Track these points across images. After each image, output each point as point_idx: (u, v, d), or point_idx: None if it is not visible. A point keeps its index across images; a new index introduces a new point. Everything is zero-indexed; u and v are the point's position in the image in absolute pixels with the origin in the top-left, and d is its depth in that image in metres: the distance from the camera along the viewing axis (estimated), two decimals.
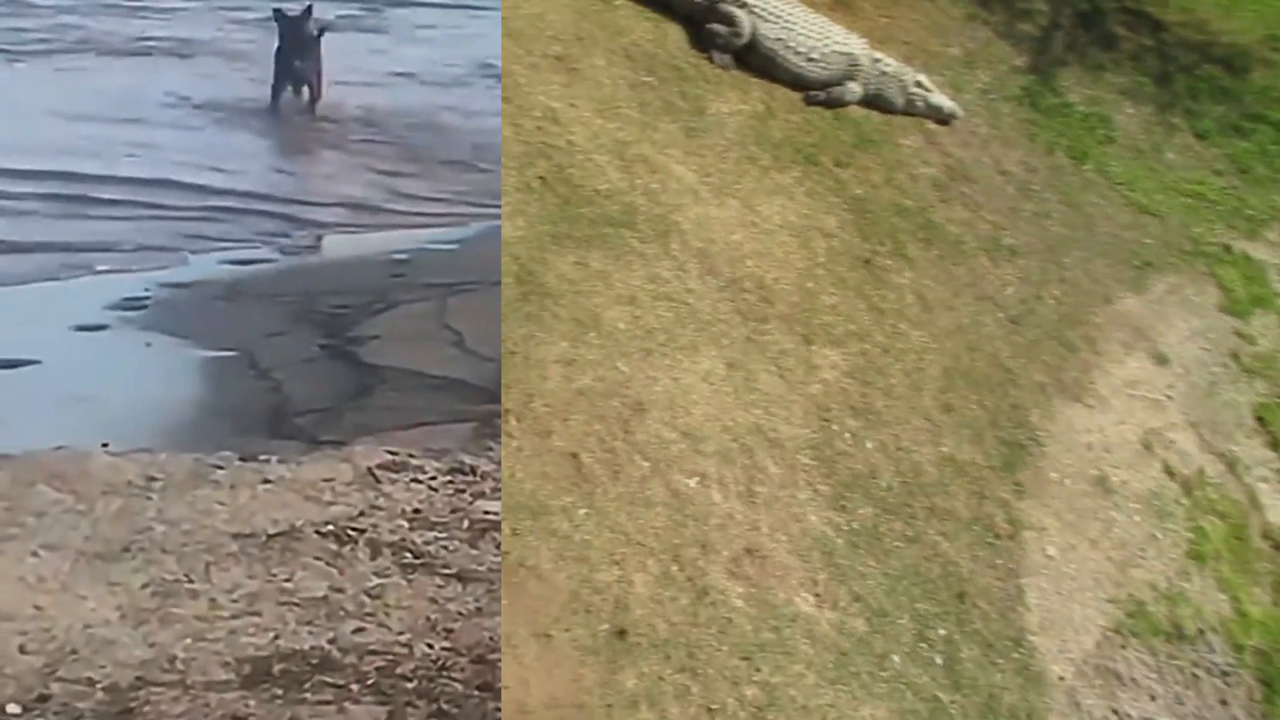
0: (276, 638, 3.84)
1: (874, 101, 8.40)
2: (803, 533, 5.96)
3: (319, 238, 6.79)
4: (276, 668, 3.74)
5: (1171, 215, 8.93)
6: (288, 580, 4.07)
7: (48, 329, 5.67)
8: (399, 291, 6.21)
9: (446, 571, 4.19)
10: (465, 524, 4.38)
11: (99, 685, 3.64)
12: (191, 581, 4.04)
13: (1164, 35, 10.40)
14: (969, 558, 6.25)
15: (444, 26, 9.94)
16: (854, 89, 8.28)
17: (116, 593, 3.97)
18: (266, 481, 4.53)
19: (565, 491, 5.60)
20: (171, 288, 6.12)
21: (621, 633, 5.24)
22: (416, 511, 4.44)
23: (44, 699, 3.60)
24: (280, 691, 3.66)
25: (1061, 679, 6.07)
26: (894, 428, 6.63)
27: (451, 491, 4.52)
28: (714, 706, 5.21)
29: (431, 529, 4.37)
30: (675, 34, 8.18)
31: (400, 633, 3.92)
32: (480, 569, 4.25)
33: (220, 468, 4.60)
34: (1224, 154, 9.67)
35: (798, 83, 8.22)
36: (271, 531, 4.26)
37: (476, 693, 3.83)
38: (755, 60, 8.16)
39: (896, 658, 5.73)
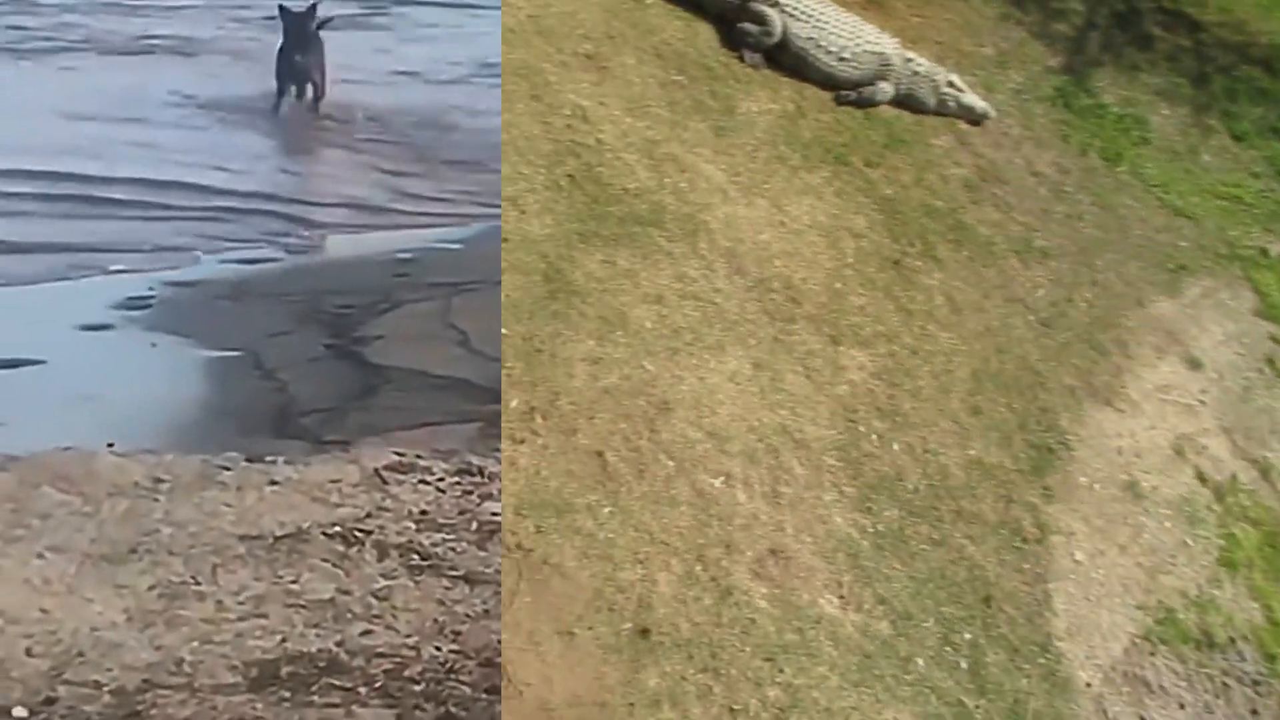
0: (284, 640, 3.82)
1: (905, 101, 8.35)
2: (828, 534, 5.94)
3: (324, 237, 6.76)
4: (284, 670, 3.74)
5: (1207, 218, 8.83)
6: (294, 582, 4.05)
7: (52, 329, 5.63)
8: (404, 291, 6.18)
9: (454, 574, 4.13)
10: (473, 526, 4.36)
11: (105, 688, 3.64)
12: (198, 584, 4.02)
13: (1202, 36, 10.28)
14: (996, 562, 6.21)
15: (448, 25, 9.85)
16: (885, 89, 8.24)
17: (123, 595, 3.96)
18: (273, 483, 4.50)
19: (590, 490, 5.61)
20: (176, 287, 6.09)
21: (644, 632, 5.24)
22: (424, 513, 4.40)
23: (50, 702, 3.59)
24: (288, 695, 3.65)
25: (1088, 685, 6.02)
26: (921, 430, 6.59)
27: (459, 493, 4.49)
28: (736, 707, 5.20)
29: (439, 531, 4.32)
30: (706, 33, 8.17)
31: (408, 635, 3.89)
32: (488, 571, 4.23)
33: (227, 469, 4.57)
34: (1262, 156, 9.55)
35: (829, 82, 8.19)
36: (278, 533, 4.25)
37: (485, 696, 3.81)
38: (786, 59, 8.13)
39: (921, 661, 5.70)
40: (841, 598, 5.73)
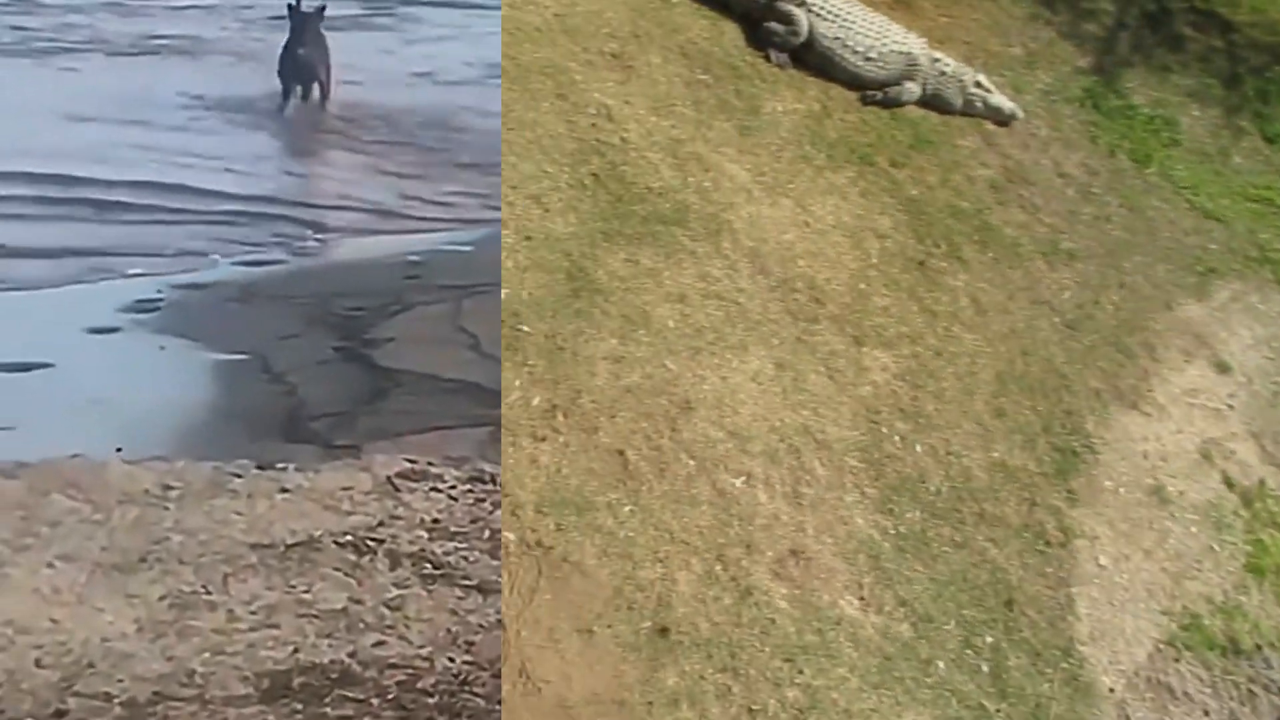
0: (296, 651, 3.79)
1: (932, 102, 8.31)
2: (849, 535, 5.92)
3: (332, 240, 6.71)
4: (296, 681, 3.70)
5: (1237, 221, 8.73)
6: (306, 592, 4.02)
7: (60, 332, 5.57)
8: (413, 293, 6.13)
9: (467, 583, 4.08)
10: (485, 534, 4.33)
11: (116, 700, 3.59)
12: (209, 593, 3.99)
13: (1234, 36, 10.16)
14: (1018, 565, 6.17)
15: (457, 26, 9.75)
16: (912, 89, 8.20)
17: (134, 605, 3.92)
18: (284, 490, 4.46)
19: (610, 488, 5.62)
20: (184, 290, 6.05)
21: (664, 631, 5.24)
22: (436, 521, 4.34)
23: (60, 714, 3.56)
24: (300, 706, 3.61)
25: (1111, 691, 5.97)
26: (944, 432, 6.56)
27: (471, 501, 4.44)
28: (755, 707, 5.19)
29: (451, 539, 4.26)
30: (732, 32, 8.16)
31: (421, 646, 3.85)
32: (501, 580, 4.20)
33: (238, 476, 4.53)
34: None
35: (855, 82, 8.16)
36: (290, 542, 4.21)
37: (499, 707, 3.79)
38: (812, 59, 8.11)
39: (942, 664, 5.67)
40: (862, 599, 5.72)
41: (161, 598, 3.97)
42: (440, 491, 4.51)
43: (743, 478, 5.90)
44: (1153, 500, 6.79)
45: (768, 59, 8.06)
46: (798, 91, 8.00)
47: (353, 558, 4.16)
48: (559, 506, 5.45)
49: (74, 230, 6.54)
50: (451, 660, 3.82)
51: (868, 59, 8.09)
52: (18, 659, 3.71)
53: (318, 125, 8.20)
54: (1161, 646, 6.23)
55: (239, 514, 4.35)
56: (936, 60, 8.27)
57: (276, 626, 3.88)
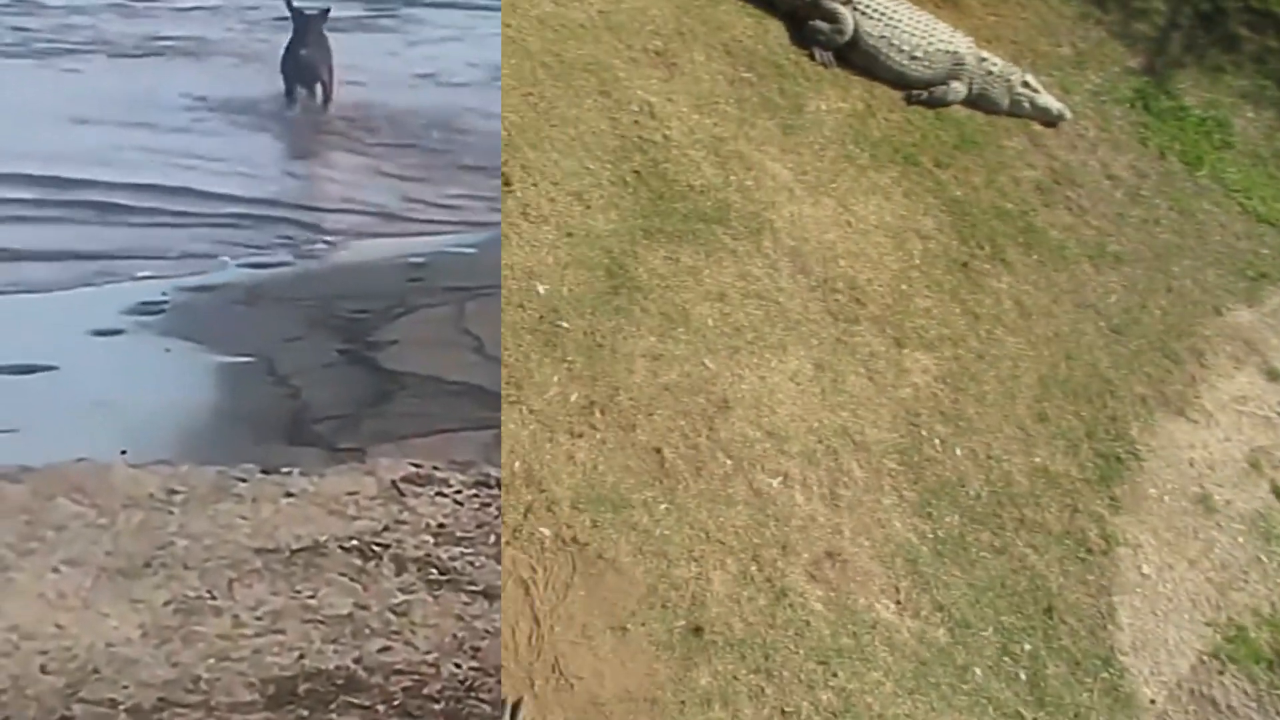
0: (301, 657, 3.75)
1: (978, 102, 8.22)
2: (886, 538, 5.87)
3: (337, 242, 6.66)
4: (302, 688, 3.67)
5: None
6: (312, 597, 3.98)
7: (64, 334, 5.55)
8: (417, 296, 6.08)
9: (473, 588, 4.03)
10: (491, 539, 4.28)
11: (121, 706, 3.56)
12: (214, 598, 3.95)
13: None
14: (1059, 572, 6.09)
15: (460, 27, 9.62)
16: (958, 88, 8.12)
17: (139, 610, 3.88)
18: (289, 495, 4.42)
19: (647, 486, 5.61)
20: (189, 292, 5.99)
21: (697, 630, 5.23)
22: (441, 526, 4.28)
23: None
24: (305, 712, 3.59)
25: (1153, 702, 5.88)
26: (985, 436, 6.49)
27: (477, 506, 4.38)
28: (788, 709, 5.17)
29: (457, 545, 4.21)
30: (776, 30, 8.12)
31: (427, 652, 3.81)
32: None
33: (242, 480, 4.49)
34: None
35: (900, 81, 8.09)
36: (295, 547, 4.17)
37: (499, 713, 3.76)
38: (857, 58, 8.05)
39: (978, 671, 5.61)
40: (898, 603, 5.67)
41: (166, 603, 3.93)
42: (445, 496, 4.45)
43: (780, 478, 5.87)
44: (1198, 509, 6.68)
45: (812, 57, 8.01)
46: (842, 90, 7.94)
47: (358, 563, 4.13)
48: (595, 503, 5.46)
49: (77, 233, 6.51)
50: (458, 666, 3.78)
51: (913, 58, 8.02)
52: (23, 665, 3.68)
53: (321, 127, 8.13)
54: (1205, 658, 6.12)
55: (244, 518, 4.32)
56: (983, 59, 8.18)
57: (282, 632, 3.85)
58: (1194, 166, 8.61)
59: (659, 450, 5.75)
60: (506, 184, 6.49)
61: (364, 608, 3.95)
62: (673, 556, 5.42)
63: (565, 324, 6.02)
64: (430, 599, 4.00)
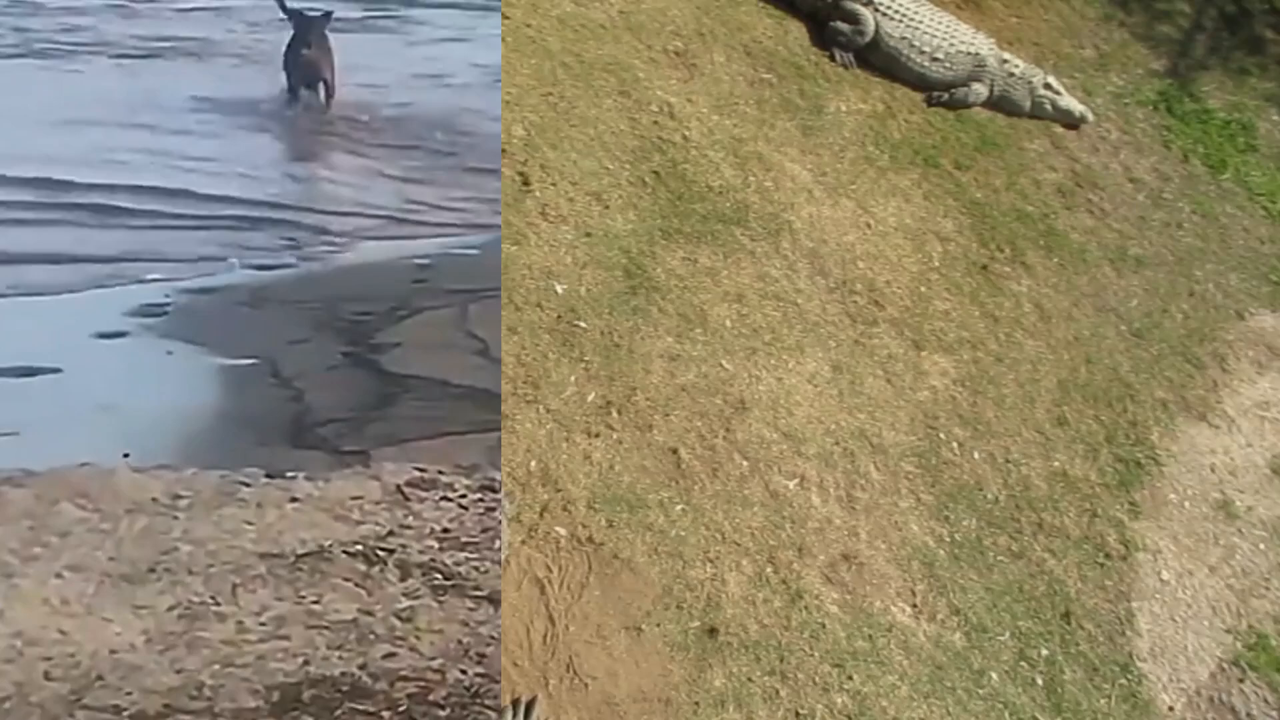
0: (306, 663, 3.72)
1: (1000, 104, 8.18)
2: (903, 541, 5.85)
3: (340, 245, 6.61)
4: (306, 694, 3.64)
5: None
6: (316, 603, 3.95)
7: (68, 336, 5.51)
8: (421, 298, 6.03)
9: (478, 594, 4.00)
10: (496, 544, 4.26)
11: (125, 713, 3.53)
12: (219, 604, 3.92)
13: None
14: (1077, 577, 6.05)
15: (462, 28, 9.50)
16: (979, 90, 8.08)
17: (142, 616, 3.85)
18: (294, 499, 4.39)
19: (663, 486, 5.61)
20: (192, 294, 5.95)
21: (712, 631, 5.22)
22: (446, 531, 4.25)
23: None
24: (310, 719, 3.57)
25: (1171, 709, 5.83)
26: (1004, 439, 6.45)
27: (482, 510, 4.34)
28: (802, 712, 5.15)
29: (462, 550, 4.17)
30: (797, 31, 8.11)
31: (432, 658, 3.77)
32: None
33: (247, 485, 4.46)
34: None
35: (921, 83, 8.06)
36: (300, 552, 4.14)
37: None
38: (878, 59, 8.02)
39: (995, 675, 5.58)
40: (914, 607, 5.65)
41: (170, 608, 3.90)
42: (450, 501, 4.41)
43: (796, 480, 5.86)
44: (1219, 515, 6.62)
45: (832, 58, 8.00)
46: (862, 92, 7.92)
47: (363, 568, 4.10)
48: (611, 503, 5.46)
49: (79, 236, 6.47)
50: (463, 672, 3.74)
51: (934, 59, 7.99)
52: (26, 671, 3.64)
53: (323, 129, 8.06)
54: (1225, 666, 6.07)
55: (248, 523, 4.28)
56: (1005, 61, 8.14)
57: (286, 638, 3.82)
58: (1217, 170, 8.54)
59: (675, 451, 5.75)
60: (525, 183, 6.50)
61: (369, 613, 3.93)
62: (688, 557, 5.42)
63: (583, 324, 6.03)
64: (435, 604, 3.96)
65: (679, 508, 5.56)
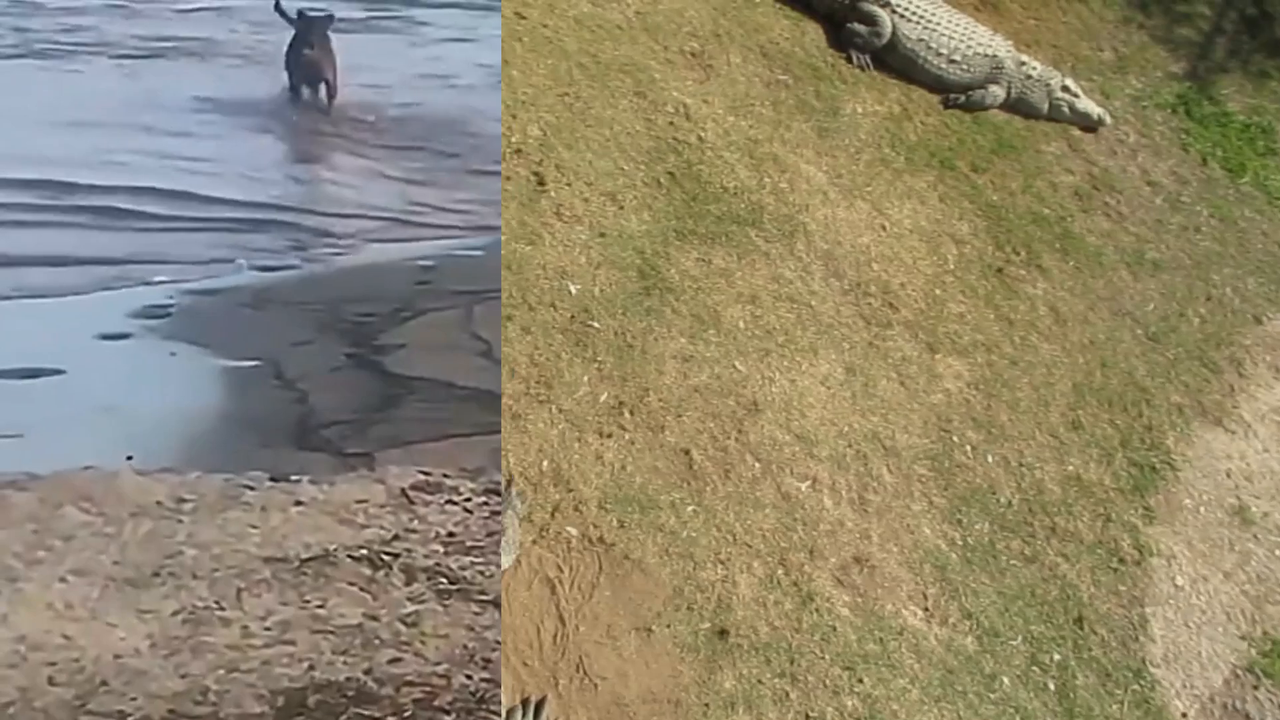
0: (311, 668, 3.69)
1: (1017, 106, 8.15)
2: (915, 545, 5.84)
3: (344, 246, 6.59)
4: (311, 700, 3.61)
5: None
6: (321, 607, 3.92)
7: (71, 338, 5.50)
8: (425, 299, 6.01)
9: (484, 598, 3.98)
10: (497, 548, 4.26)
11: (130, 719, 3.51)
12: (223, 609, 3.89)
13: None
14: (1090, 582, 6.03)
15: (465, 28, 9.41)
16: (996, 92, 8.05)
17: (147, 620, 3.82)
18: (299, 503, 4.36)
19: (674, 487, 5.62)
20: (195, 295, 5.94)
21: (723, 632, 5.23)
22: (451, 535, 4.22)
23: None
24: None
25: (1184, 716, 5.80)
26: (1018, 443, 6.43)
27: (487, 514, 4.31)
28: (812, 714, 5.15)
29: (467, 554, 4.15)
30: (813, 32, 8.10)
31: (437, 663, 3.74)
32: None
33: (251, 488, 4.43)
34: None
35: (938, 85, 8.04)
36: (304, 556, 4.11)
37: None
38: (894, 61, 8.00)
39: (1006, 680, 5.57)
40: (926, 610, 5.64)
41: (175, 613, 3.87)
42: (455, 504, 4.37)
43: (808, 482, 5.86)
44: (1235, 521, 6.58)
45: (849, 60, 7.98)
46: (878, 93, 7.91)
47: (368, 572, 4.07)
48: (622, 504, 5.47)
49: (81, 238, 6.45)
50: (469, 678, 3.72)
51: (951, 61, 7.97)
52: (30, 676, 3.61)
53: (326, 130, 8.02)
54: (1239, 672, 6.04)
55: (253, 527, 4.25)
56: (1022, 63, 8.11)
57: (291, 643, 3.79)
58: (1236, 173, 8.49)
59: (687, 452, 5.75)
60: (541, 183, 6.51)
61: (374, 618, 3.90)
62: (699, 558, 5.42)
63: (596, 324, 6.04)
64: (440, 609, 3.94)
65: (690, 509, 5.57)
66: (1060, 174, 7.97)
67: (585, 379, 5.83)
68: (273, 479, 4.48)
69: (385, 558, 4.14)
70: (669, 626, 5.18)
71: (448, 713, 3.62)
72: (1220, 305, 7.59)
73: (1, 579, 3.94)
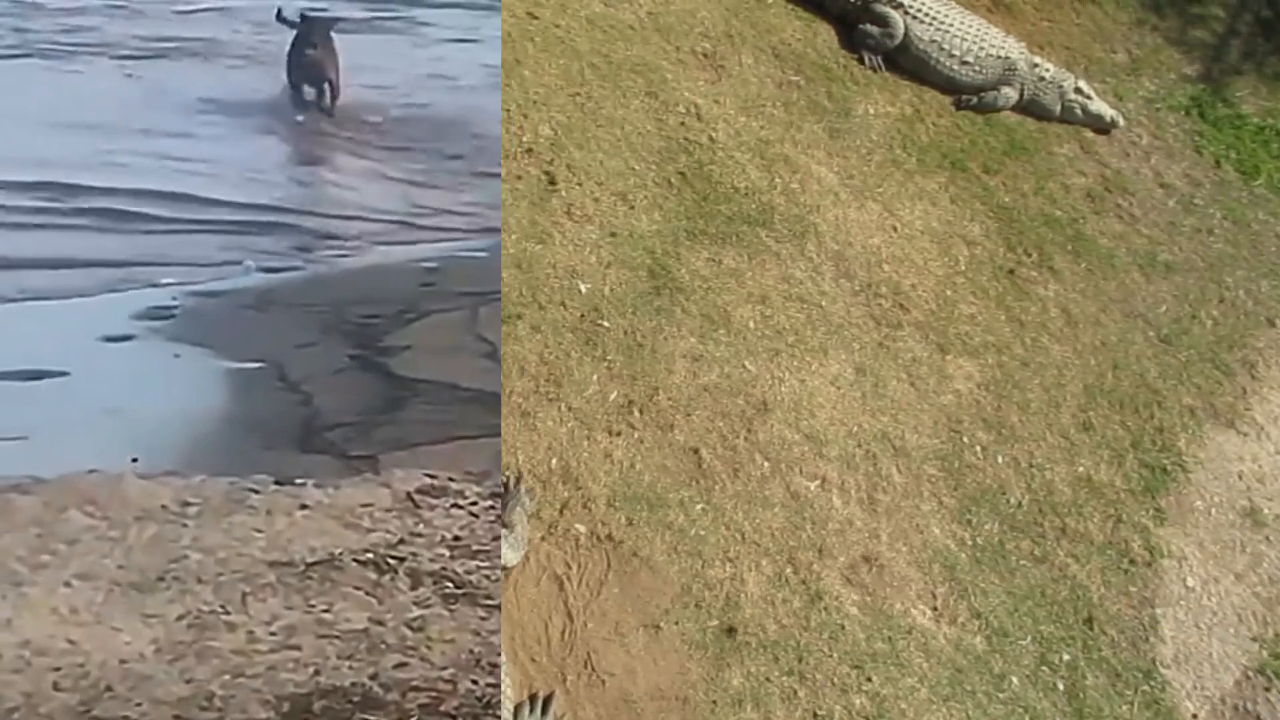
0: (316, 673, 3.69)
1: (1029, 107, 8.14)
2: (924, 544, 5.84)
3: (347, 247, 6.58)
4: (317, 705, 3.61)
5: None
6: (327, 612, 3.91)
7: (74, 340, 5.48)
8: (429, 301, 6.00)
9: (489, 603, 3.97)
10: (499, 550, 4.25)
11: None
12: (228, 613, 3.88)
13: None
14: (1100, 582, 6.01)
15: (468, 29, 9.38)
16: (1008, 94, 8.05)
17: (152, 625, 3.81)
18: (303, 507, 4.35)
19: (683, 485, 5.63)
20: (199, 297, 5.92)
21: (731, 630, 5.24)
22: (457, 539, 4.22)
23: None
24: None
25: (1194, 717, 5.78)
26: (1028, 444, 6.42)
27: (493, 518, 4.30)
28: (820, 713, 5.16)
29: (473, 558, 4.14)
30: (825, 33, 8.11)
31: (443, 667, 3.73)
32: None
33: (256, 492, 4.41)
34: None
35: (950, 86, 8.04)
36: (310, 560, 4.10)
37: None
38: (907, 62, 8.01)
39: (1015, 680, 5.56)
40: (935, 609, 5.63)
41: (180, 618, 3.86)
42: (461, 508, 4.36)
43: (817, 481, 5.86)
44: (1246, 522, 6.56)
45: (861, 61, 7.99)
46: (890, 94, 7.91)
47: (373, 576, 4.06)
48: (631, 502, 5.49)
49: (83, 240, 6.42)
50: (474, 682, 3.71)
51: (964, 63, 7.97)
52: (35, 681, 3.60)
53: (329, 131, 8.00)
54: (1250, 674, 6.01)
55: (258, 531, 4.24)
56: (1035, 65, 8.10)
57: (297, 648, 3.78)
58: (1250, 176, 8.46)
59: (696, 450, 5.77)
60: (552, 183, 6.54)
61: (379, 622, 3.89)
62: (707, 556, 5.44)
63: (606, 323, 6.06)
64: (446, 613, 3.93)
65: (699, 507, 5.58)
66: (1073, 176, 7.96)
67: (595, 377, 5.85)
68: (277, 483, 4.47)
69: (390, 562, 4.13)
70: (677, 624, 5.20)
71: (453, 718, 3.61)
72: (1233, 307, 7.56)
73: (6, 583, 3.94)
